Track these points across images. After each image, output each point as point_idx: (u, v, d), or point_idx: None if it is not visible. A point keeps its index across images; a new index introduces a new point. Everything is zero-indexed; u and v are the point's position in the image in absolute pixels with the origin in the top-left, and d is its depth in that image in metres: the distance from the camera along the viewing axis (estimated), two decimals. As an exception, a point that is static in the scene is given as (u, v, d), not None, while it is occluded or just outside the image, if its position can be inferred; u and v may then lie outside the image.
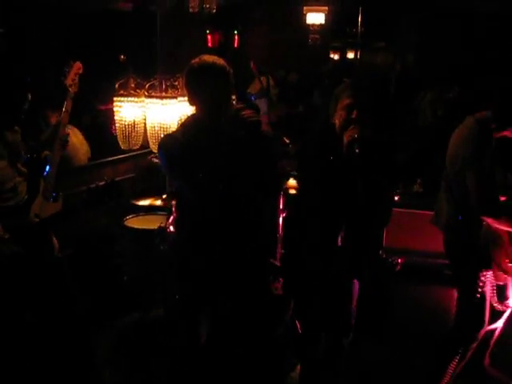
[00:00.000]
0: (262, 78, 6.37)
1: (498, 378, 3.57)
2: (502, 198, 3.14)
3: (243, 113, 2.64)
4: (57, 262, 3.20)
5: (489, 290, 3.19)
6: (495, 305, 3.24)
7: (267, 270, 3.08)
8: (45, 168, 3.14)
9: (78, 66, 3.41)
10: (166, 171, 2.99)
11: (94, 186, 2.62)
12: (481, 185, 3.04)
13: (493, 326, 3.34)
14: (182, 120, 3.30)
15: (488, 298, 3.15)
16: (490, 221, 3.07)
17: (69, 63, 3.37)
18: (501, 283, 3.21)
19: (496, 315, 3.27)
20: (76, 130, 4.75)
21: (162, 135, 4.15)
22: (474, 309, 3.18)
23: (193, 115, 2.91)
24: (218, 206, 2.78)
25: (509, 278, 3.24)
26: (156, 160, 4.04)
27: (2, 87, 2.89)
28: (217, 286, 2.91)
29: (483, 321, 3.19)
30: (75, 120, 4.77)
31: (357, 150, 3.04)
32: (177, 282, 3.10)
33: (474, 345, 3.21)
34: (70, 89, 3.34)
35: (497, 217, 3.05)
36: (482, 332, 3.19)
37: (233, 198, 2.78)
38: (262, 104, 6.34)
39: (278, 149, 4.68)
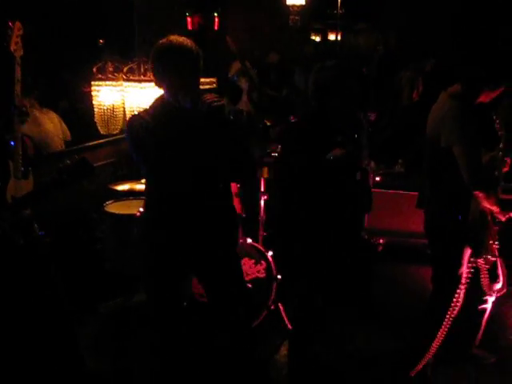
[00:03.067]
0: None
1: (483, 357, 3.61)
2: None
3: (207, 98, 2.59)
4: (37, 246, 3.15)
5: (482, 275, 3.19)
6: (485, 289, 3.24)
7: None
8: (9, 148, 3.05)
9: (17, 27, 3.17)
10: (132, 154, 2.81)
11: (62, 165, 2.56)
12: (472, 158, 3.00)
13: (483, 306, 3.37)
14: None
15: (465, 278, 3.14)
16: (481, 196, 3.02)
17: (8, 26, 3.13)
18: (488, 266, 3.20)
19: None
20: (52, 115, 4.64)
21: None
22: (452, 289, 3.17)
23: (161, 96, 2.80)
24: (183, 192, 2.72)
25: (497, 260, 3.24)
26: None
27: None
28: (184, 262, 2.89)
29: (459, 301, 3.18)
30: (52, 104, 4.69)
31: None
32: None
33: (449, 323, 3.21)
34: (16, 54, 3.13)
35: (488, 192, 3.01)
36: (456, 311, 3.18)
37: (198, 183, 2.72)
38: (243, 83, 6.29)
39: (257, 129, 4.66)
